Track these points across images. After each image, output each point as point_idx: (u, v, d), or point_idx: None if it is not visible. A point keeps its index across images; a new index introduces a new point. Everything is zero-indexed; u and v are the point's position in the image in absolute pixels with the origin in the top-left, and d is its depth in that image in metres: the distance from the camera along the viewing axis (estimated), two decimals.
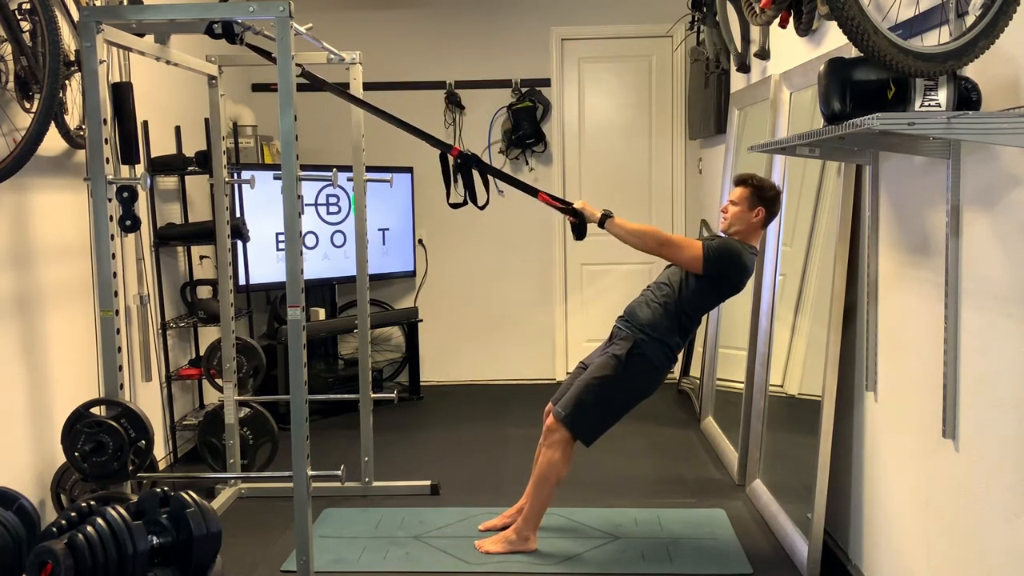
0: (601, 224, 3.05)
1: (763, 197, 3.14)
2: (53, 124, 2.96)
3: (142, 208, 3.93)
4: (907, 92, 1.94)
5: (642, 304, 3.19)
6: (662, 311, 3.12)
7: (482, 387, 5.79)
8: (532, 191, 3.15)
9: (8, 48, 2.80)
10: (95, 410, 2.65)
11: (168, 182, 4.29)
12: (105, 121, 2.68)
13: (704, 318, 4.94)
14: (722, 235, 3.21)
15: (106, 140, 2.67)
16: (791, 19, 3.20)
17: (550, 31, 5.67)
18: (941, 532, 2.27)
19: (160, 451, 4.08)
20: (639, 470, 4.12)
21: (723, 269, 3.06)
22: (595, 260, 5.77)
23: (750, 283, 3.85)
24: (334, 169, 3.23)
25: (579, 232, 3.13)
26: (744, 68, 4.32)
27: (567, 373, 5.87)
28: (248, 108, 5.14)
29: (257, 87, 5.59)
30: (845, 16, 1.79)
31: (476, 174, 3.18)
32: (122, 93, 3.56)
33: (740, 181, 3.20)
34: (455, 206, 3.27)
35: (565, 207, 3.12)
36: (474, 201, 3.20)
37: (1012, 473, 1.91)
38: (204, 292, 4.47)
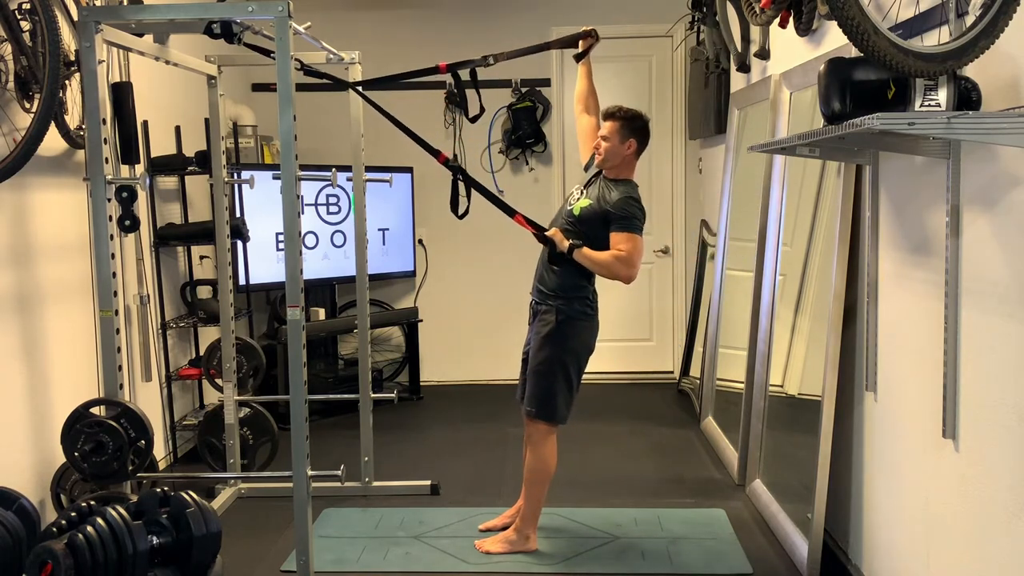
0: (569, 253, 3.08)
1: (633, 128, 3.16)
2: (53, 124, 2.96)
3: (142, 208, 3.93)
4: (907, 92, 1.94)
5: (547, 270, 3.18)
6: (566, 270, 3.12)
7: (482, 387, 5.79)
8: (510, 211, 3.15)
9: (8, 48, 2.80)
10: (95, 410, 2.65)
11: (168, 182, 4.29)
12: (105, 121, 2.68)
13: (704, 316, 4.95)
14: (611, 188, 3.16)
15: (106, 140, 2.68)
16: (791, 19, 3.20)
17: (550, 31, 5.65)
18: (941, 532, 2.27)
19: (160, 451, 4.08)
20: (639, 470, 4.12)
21: (641, 224, 3.11)
22: None
23: (750, 282, 3.87)
24: (334, 169, 3.23)
25: (553, 258, 3.13)
26: (744, 68, 4.32)
27: None
28: (248, 108, 5.14)
29: (257, 87, 5.59)
30: (845, 16, 1.79)
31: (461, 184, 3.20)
32: (122, 93, 3.56)
33: (608, 115, 3.19)
34: (461, 216, 3.32)
35: (538, 233, 3.14)
36: (454, 209, 3.22)
37: (1012, 473, 1.91)
38: (204, 292, 4.47)
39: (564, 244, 3.08)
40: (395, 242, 5.49)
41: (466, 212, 3.27)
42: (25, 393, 3.06)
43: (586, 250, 3.07)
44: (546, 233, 3.13)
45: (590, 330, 3.19)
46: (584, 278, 3.15)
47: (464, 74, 3.44)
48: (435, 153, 3.15)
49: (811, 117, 3.26)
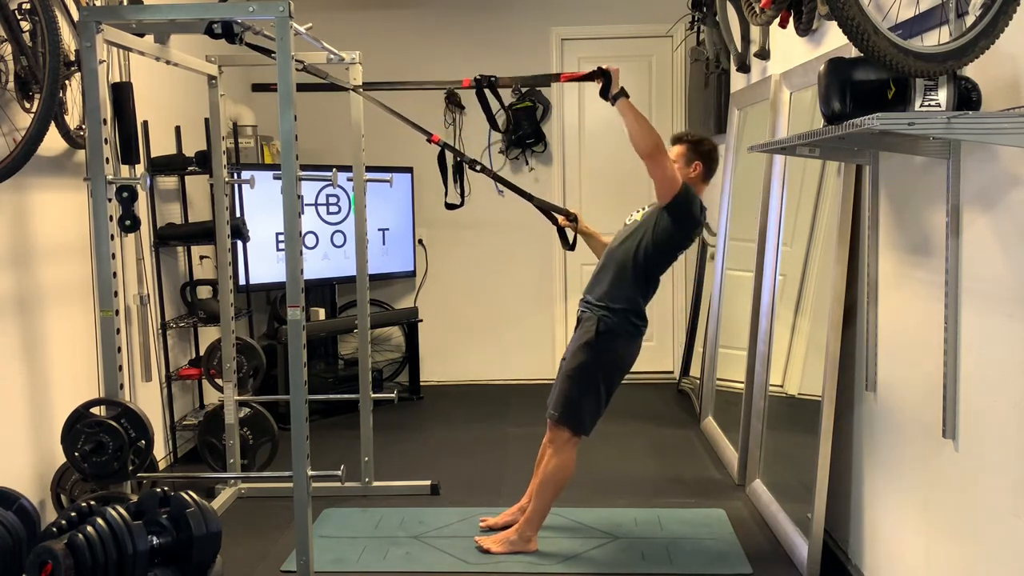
0: (616, 98, 2.94)
1: (699, 151, 3.17)
2: (53, 124, 2.96)
3: (142, 208, 3.93)
4: (907, 92, 1.94)
5: (598, 277, 3.19)
6: (618, 277, 3.11)
7: (482, 387, 5.79)
8: (553, 77, 3.12)
9: (8, 48, 2.80)
10: (95, 410, 2.65)
11: (168, 182, 4.29)
12: (105, 121, 2.68)
13: (704, 316, 4.95)
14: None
15: (106, 140, 2.68)
16: (791, 19, 3.20)
17: (550, 31, 5.66)
18: (941, 532, 2.27)
19: (160, 451, 4.08)
20: (639, 470, 4.12)
21: (685, 208, 3.03)
22: (595, 260, 5.74)
23: (750, 282, 3.87)
24: (334, 169, 3.23)
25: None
26: (744, 68, 4.32)
27: None
28: (248, 108, 5.14)
29: (257, 87, 5.59)
30: (845, 16, 1.79)
31: (490, 95, 3.17)
32: (122, 93, 3.56)
33: (676, 139, 3.24)
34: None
35: (592, 72, 2.99)
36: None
37: (1012, 473, 1.91)
38: (204, 292, 4.47)
39: (618, 85, 2.96)
40: (395, 242, 5.49)
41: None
42: (25, 393, 3.06)
43: (631, 103, 2.94)
44: (603, 66, 2.97)
45: (628, 347, 3.16)
46: (640, 294, 3.13)
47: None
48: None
49: (811, 117, 3.26)
